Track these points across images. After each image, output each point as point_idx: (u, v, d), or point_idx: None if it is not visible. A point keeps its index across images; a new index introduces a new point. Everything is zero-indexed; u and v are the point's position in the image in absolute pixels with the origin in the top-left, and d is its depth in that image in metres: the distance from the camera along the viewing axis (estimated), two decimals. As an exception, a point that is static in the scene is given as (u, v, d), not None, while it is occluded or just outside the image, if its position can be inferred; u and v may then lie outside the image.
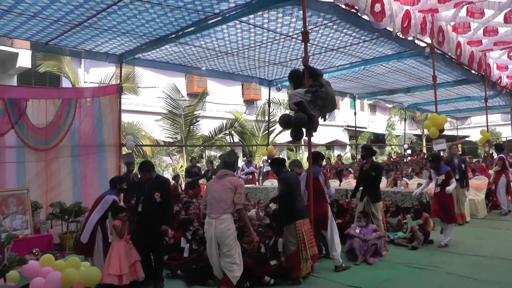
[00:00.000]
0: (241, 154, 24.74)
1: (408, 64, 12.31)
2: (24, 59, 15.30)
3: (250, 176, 14.46)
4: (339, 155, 22.61)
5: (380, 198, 8.11)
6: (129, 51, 10.07)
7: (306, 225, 6.50)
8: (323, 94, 6.63)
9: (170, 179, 10.86)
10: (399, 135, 34.04)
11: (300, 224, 6.42)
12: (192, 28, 8.49)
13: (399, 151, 29.85)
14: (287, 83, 13.98)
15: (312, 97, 6.59)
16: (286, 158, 27.46)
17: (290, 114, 6.94)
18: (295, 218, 6.46)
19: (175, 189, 12.30)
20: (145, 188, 6.58)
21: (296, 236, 6.39)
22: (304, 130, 6.83)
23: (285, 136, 22.36)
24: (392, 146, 32.56)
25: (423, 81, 14.72)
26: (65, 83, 18.10)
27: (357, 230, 7.73)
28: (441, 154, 10.94)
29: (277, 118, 22.36)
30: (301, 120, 6.57)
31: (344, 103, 35.14)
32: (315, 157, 7.61)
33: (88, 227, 6.60)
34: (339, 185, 12.55)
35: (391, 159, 23.55)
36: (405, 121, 25.96)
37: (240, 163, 15.61)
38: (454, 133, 30.23)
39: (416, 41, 10.29)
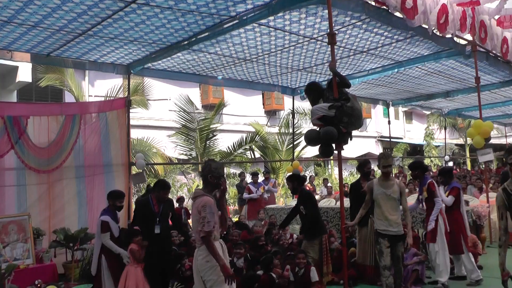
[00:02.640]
0: (262, 170, 24.69)
1: (447, 65, 12.17)
2: (24, 73, 15.53)
3: (266, 196, 14.07)
4: (372, 170, 22.06)
5: None
6: (138, 61, 10.15)
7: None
8: (350, 110, 6.56)
9: (174, 202, 10.90)
10: (439, 146, 33.64)
11: (325, 239, 7.63)
12: (206, 34, 8.52)
13: (440, 164, 29.47)
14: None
15: (336, 113, 6.54)
16: (314, 174, 27.47)
17: (317, 129, 6.90)
18: (322, 232, 7.74)
19: (178, 214, 12.33)
20: (159, 209, 6.71)
21: (319, 250, 7.54)
22: (333, 144, 6.77)
23: (312, 150, 22.24)
24: (432, 158, 32.16)
25: (464, 84, 14.52)
26: (68, 98, 18.33)
27: None
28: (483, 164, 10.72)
29: (302, 130, 22.47)
30: (331, 134, 6.50)
31: (376, 111, 34.94)
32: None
33: (94, 256, 6.66)
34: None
35: (431, 173, 23.22)
36: (445, 129, 25.61)
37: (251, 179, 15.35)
38: (502, 141, 29.72)
39: (456, 39, 10.17)
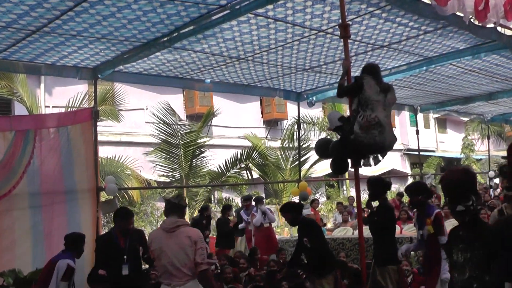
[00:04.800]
0: (263, 195, 24.66)
1: (488, 61, 12.17)
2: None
3: (266, 223, 14.14)
4: (399, 193, 21.75)
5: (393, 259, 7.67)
6: (107, 63, 10.14)
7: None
8: (353, 144, 6.47)
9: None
10: (481, 159, 33.66)
11: (338, 275, 7.81)
12: (191, 28, 8.52)
13: (483, 181, 29.43)
14: (323, 95, 13.96)
15: (341, 136, 6.64)
16: (325, 197, 27.45)
17: (330, 137, 6.94)
18: (335, 266, 7.95)
19: None
20: (125, 244, 6.71)
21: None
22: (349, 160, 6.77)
23: (323, 167, 22.24)
24: (472, 175, 32.15)
25: (511, 83, 14.56)
26: (19, 110, 18.33)
27: None
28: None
29: (310, 143, 22.41)
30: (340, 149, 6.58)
31: (401, 119, 35.01)
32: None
33: None
34: (400, 232, 12.34)
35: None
36: (488, 139, 25.62)
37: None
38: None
39: (499, 29, 10.17)
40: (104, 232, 11.30)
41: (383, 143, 6.54)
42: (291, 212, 8.32)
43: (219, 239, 14.36)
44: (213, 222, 15.80)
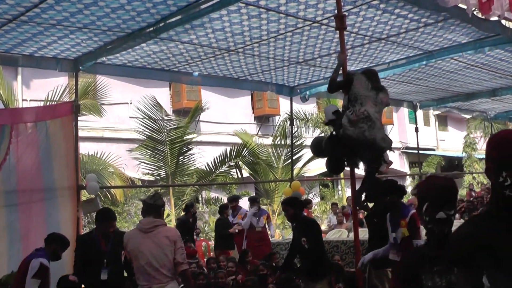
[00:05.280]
0: (253, 194, 24.67)
1: (492, 56, 12.23)
2: None
3: (258, 227, 14.20)
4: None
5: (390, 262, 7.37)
6: (89, 54, 10.10)
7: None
8: (343, 139, 6.56)
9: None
10: (483, 158, 33.67)
11: (333, 280, 7.75)
12: (178, 17, 8.50)
13: (485, 181, 29.53)
14: (316, 89, 13.97)
15: (335, 130, 6.66)
16: (319, 198, 27.47)
17: (326, 135, 6.98)
18: (330, 270, 7.89)
19: None
20: (107, 247, 6.72)
21: None
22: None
23: (318, 165, 22.24)
24: (474, 175, 32.27)
25: (516, 80, 14.63)
26: (-5, 103, 18.25)
27: None
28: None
29: (304, 141, 22.44)
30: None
31: (400, 116, 35.08)
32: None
33: None
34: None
35: (473, 194, 23.28)
36: (491, 137, 25.71)
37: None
38: None
39: (504, 22, 10.21)
40: (84, 232, 11.26)
41: (374, 139, 6.55)
42: (293, 207, 8.29)
43: (219, 240, 14.36)
44: (201, 221, 15.78)
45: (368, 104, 6.58)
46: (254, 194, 24.52)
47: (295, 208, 8.30)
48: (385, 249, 7.31)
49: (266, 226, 14.27)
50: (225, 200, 20.40)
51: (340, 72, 7.22)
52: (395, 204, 7.36)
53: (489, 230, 2.73)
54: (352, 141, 6.48)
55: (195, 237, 14.86)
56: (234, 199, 15.12)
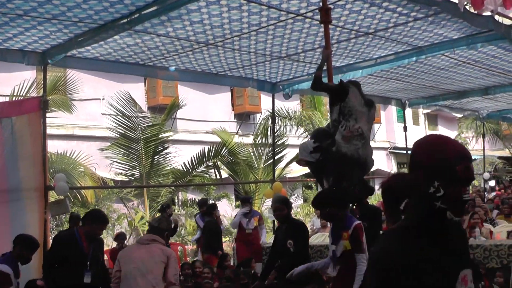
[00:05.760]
0: (233, 196, 24.68)
1: (484, 53, 12.31)
2: None
3: (248, 229, 14.19)
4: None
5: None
6: (58, 47, 10.04)
7: None
8: (336, 157, 6.44)
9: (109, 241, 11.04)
10: (475, 159, 33.97)
11: None
12: (154, 8, 8.49)
13: (477, 183, 29.78)
14: (300, 86, 13.98)
15: (319, 159, 6.60)
16: (302, 200, 27.52)
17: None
18: (316, 278, 7.52)
19: (115, 256, 12.40)
20: (89, 249, 6.78)
21: None
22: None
23: (300, 166, 22.27)
24: (465, 177, 32.48)
25: (510, 78, 14.74)
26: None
27: None
28: None
29: (286, 140, 22.46)
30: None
31: (388, 114, 35.25)
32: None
33: None
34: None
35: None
36: (483, 137, 25.92)
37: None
38: None
39: (497, 18, 10.29)
40: (52, 236, 11.19)
41: (366, 159, 6.53)
42: (287, 206, 8.33)
43: (208, 243, 14.23)
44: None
45: (362, 121, 6.49)
46: (233, 196, 24.58)
47: (287, 207, 8.35)
48: (324, 263, 7.28)
49: (258, 229, 14.18)
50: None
51: (324, 68, 7.24)
52: (334, 216, 6.99)
53: (413, 248, 2.60)
54: (346, 159, 6.36)
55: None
56: (203, 204, 15.09)
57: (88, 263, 7.00)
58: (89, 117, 22.56)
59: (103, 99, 21.40)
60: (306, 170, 8.29)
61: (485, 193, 24.20)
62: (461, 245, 2.81)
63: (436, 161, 2.58)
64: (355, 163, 6.37)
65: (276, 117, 17.77)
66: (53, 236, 10.19)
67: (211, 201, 18.09)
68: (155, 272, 5.98)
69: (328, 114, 8.35)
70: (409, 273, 2.51)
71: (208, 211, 14.86)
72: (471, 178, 2.65)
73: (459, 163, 2.59)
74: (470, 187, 29.44)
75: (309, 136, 7.35)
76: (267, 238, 14.15)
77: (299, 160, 6.86)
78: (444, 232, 2.66)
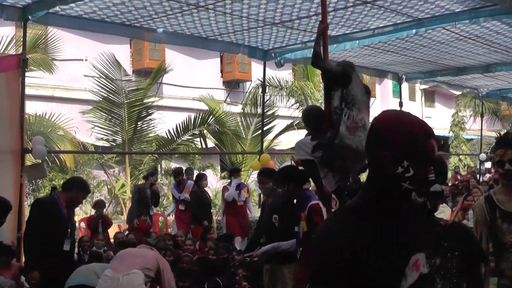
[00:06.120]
0: (218, 167, 24.71)
1: (487, 28, 12.30)
2: None
3: (240, 201, 14.28)
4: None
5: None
6: (40, 2, 9.90)
7: None
8: (341, 150, 6.39)
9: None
10: (472, 139, 34.20)
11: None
12: (141, -35, 8.44)
13: (472, 164, 29.94)
14: (293, 55, 13.95)
15: (324, 155, 6.54)
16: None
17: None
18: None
19: (93, 224, 12.55)
20: (68, 216, 6.89)
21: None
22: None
23: (290, 138, 22.32)
24: (461, 157, 32.62)
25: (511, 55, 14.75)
26: None
27: None
28: None
29: (277, 110, 22.43)
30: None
31: (383, 88, 35.29)
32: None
33: None
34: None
35: (459, 177, 23.55)
36: (481, 117, 25.99)
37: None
38: None
39: (500, -10, 10.29)
40: (29, 201, 11.21)
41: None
42: (272, 179, 8.23)
43: (196, 213, 14.24)
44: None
45: (364, 111, 6.44)
46: (219, 167, 24.60)
47: (272, 180, 8.26)
48: (290, 243, 7.32)
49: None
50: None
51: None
52: (292, 195, 7.16)
53: (352, 230, 2.55)
54: (350, 152, 6.30)
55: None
56: (179, 173, 15.05)
57: (69, 230, 7.06)
58: (71, 78, 22.45)
59: (86, 60, 21.31)
60: (295, 141, 8.23)
61: (480, 175, 24.29)
62: (418, 228, 2.72)
63: (406, 140, 2.52)
64: (362, 156, 6.10)
65: (267, 86, 17.71)
66: (30, 202, 10.22)
67: (196, 171, 18.14)
68: (141, 261, 6.10)
69: (321, 85, 8.29)
70: (346, 256, 2.49)
71: (195, 181, 14.89)
72: (435, 157, 2.62)
73: (427, 141, 2.56)
74: (463, 167, 29.64)
75: (305, 135, 7.13)
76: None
77: (296, 161, 6.83)
78: (395, 215, 2.60)
